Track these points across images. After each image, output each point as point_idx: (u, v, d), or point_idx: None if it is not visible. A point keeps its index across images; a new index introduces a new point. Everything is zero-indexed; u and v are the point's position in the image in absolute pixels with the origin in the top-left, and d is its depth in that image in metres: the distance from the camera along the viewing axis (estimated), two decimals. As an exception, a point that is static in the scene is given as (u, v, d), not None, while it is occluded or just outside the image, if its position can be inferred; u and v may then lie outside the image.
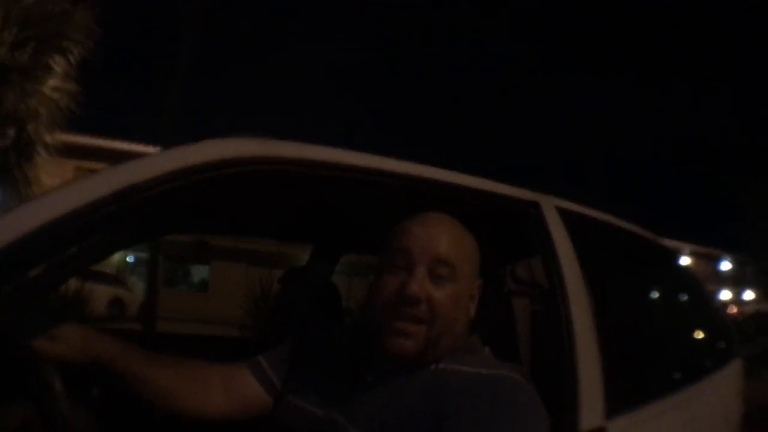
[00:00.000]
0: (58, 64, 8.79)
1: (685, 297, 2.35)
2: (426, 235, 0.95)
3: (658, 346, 1.84)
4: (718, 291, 29.04)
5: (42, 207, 0.83)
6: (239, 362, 1.10)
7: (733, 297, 30.37)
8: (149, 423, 1.12)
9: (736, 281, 31.29)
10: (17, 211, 0.83)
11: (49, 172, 8.94)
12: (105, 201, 0.87)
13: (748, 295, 30.18)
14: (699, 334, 2.30)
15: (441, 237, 0.95)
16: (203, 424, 1.03)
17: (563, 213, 1.43)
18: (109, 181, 0.89)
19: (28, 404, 0.88)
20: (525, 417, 0.83)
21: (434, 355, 0.93)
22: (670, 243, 2.35)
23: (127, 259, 19.02)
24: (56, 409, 0.84)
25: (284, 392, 1.04)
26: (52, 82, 8.80)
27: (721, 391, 1.91)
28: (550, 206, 1.41)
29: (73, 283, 6.63)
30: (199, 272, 21.36)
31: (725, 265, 32.35)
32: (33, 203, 0.85)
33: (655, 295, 2.19)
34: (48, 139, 9.00)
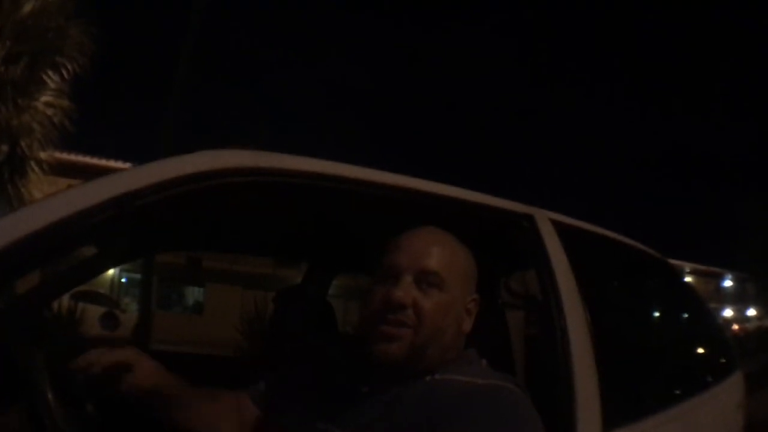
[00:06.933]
0: (52, 80, 8.76)
1: (684, 311, 2.34)
2: (414, 247, 0.96)
3: (657, 359, 1.82)
4: (720, 309, 28.94)
5: (40, 211, 0.85)
6: (242, 392, 1.11)
7: (735, 314, 30.26)
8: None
9: (738, 299, 31.23)
10: (20, 213, 0.85)
11: (42, 189, 8.81)
12: (101, 207, 0.87)
13: (751, 312, 30.05)
14: (699, 349, 2.29)
15: (429, 249, 0.96)
16: None
17: (558, 226, 1.43)
18: (105, 187, 0.90)
19: (27, 407, 0.88)
20: (520, 425, 0.83)
21: (422, 363, 0.92)
22: (671, 262, 2.35)
23: (122, 280, 18.90)
24: (49, 418, 0.84)
25: (280, 404, 1.04)
26: (45, 97, 8.71)
27: (721, 403, 1.89)
28: (544, 219, 1.41)
29: (65, 302, 6.59)
30: (194, 294, 21.17)
31: (727, 283, 32.28)
32: (30, 207, 0.88)
33: (654, 308, 2.18)
34: (41, 155, 8.94)
